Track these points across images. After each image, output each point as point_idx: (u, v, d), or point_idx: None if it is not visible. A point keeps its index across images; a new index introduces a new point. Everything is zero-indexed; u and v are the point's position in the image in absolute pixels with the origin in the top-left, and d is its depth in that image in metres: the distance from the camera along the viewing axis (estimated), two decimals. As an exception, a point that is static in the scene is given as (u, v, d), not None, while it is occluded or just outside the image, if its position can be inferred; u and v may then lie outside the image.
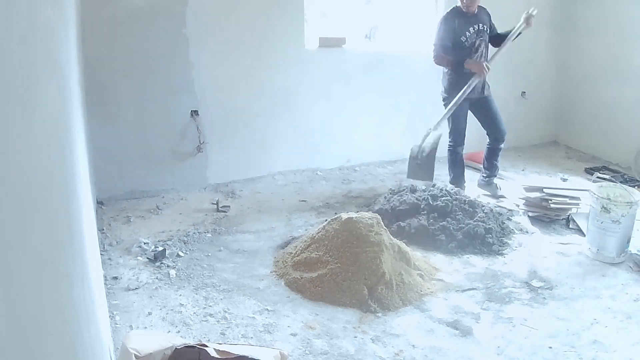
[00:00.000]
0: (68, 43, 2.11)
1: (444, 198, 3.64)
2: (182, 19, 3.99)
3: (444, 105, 4.16)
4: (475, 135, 4.84)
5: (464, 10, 3.91)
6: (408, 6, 5.09)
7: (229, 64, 4.24)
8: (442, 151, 4.27)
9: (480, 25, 3.93)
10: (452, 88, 4.02)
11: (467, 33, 3.89)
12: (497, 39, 4.06)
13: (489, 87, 4.13)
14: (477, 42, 3.94)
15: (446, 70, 4.08)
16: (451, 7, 4.03)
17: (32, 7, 1.06)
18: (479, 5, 3.95)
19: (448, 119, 4.13)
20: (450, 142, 4.20)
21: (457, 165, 4.27)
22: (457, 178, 4.29)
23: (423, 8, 5.05)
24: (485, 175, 4.36)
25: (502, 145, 4.23)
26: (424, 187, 3.92)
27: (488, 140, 4.25)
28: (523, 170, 4.94)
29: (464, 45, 3.91)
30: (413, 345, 2.48)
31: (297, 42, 4.45)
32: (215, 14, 4.09)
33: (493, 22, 4.09)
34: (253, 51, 4.29)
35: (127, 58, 3.92)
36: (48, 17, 1.35)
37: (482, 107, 4.14)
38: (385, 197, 3.88)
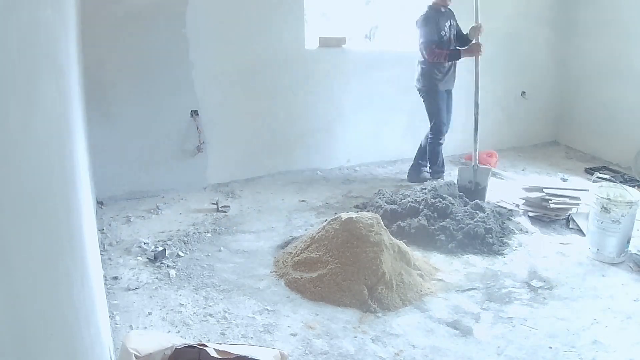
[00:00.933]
0: (68, 43, 2.11)
1: (443, 199, 3.65)
2: (182, 19, 3.99)
3: (422, 97, 4.40)
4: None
5: (441, 7, 4.21)
6: (408, 6, 5.08)
7: (229, 64, 4.24)
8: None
9: (452, 21, 4.27)
10: (431, 79, 4.29)
11: (445, 28, 4.20)
12: (461, 40, 4.33)
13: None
14: (451, 37, 4.26)
15: (422, 63, 4.29)
16: (428, 6, 4.25)
17: (32, 7, 1.06)
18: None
19: (431, 112, 4.39)
20: (432, 135, 4.44)
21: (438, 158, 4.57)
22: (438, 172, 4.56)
23: (423, 8, 5.04)
24: (429, 167, 4.59)
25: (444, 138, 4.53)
26: (422, 186, 3.93)
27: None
28: (523, 170, 4.94)
29: (443, 40, 4.19)
30: (413, 345, 2.48)
31: (297, 42, 4.45)
32: (215, 14, 4.09)
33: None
34: (253, 51, 4.29)
35: (127, 58, 3.92)
36: (48, 17, 1.35)
37: (448, 100, 4.43)
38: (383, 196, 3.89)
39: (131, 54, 3.92)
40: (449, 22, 4.22)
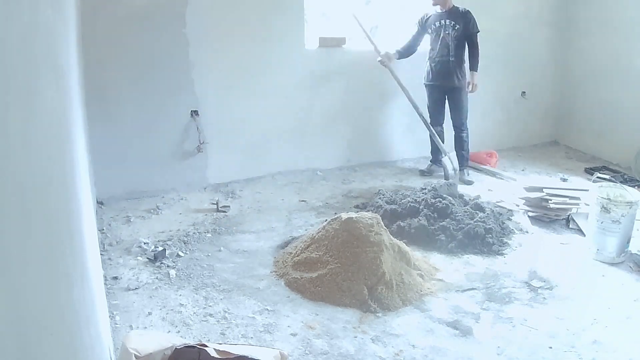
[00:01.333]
0: (68, 43, 2.11)
1: (443, 199, 3.65)
2: (182, 19, 3.99)
3: None
4: (475, 135, 4.85)
5: (438, 7, 4.49)
6: (408, 6, 5.09)
7: (229, 64, 4.24)
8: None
9: (449, 21, 4.41)
10: None
11: (433, 26, 4.49)
12: (470, 52, 4.47)
13: (458, 79, 4.49)
14: (442, 35, 4.44)
15: None
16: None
17: (32, 7, 1.06)
18: (459, 9, 4.41)
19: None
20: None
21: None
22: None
23: (423, 8, 5.04)
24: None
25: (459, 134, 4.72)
26: (422, 186, 3.94)
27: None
28: (523, 170, 4.94)
29: (431, 35, 4.53)
30: (413, 345, 2.48)
31: (297, 42, 4.45)
32: (215, 14, 4.09)
33: (476, 28, 4.42)
34: (253, 51, 4.29)
35: (127, 58, 3.92)
36: (48, 17, 1.35)
37: (439, 96, 4.64)
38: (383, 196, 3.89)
39: (131, 54, 3.92)
40: (443, 22, 4.41)
